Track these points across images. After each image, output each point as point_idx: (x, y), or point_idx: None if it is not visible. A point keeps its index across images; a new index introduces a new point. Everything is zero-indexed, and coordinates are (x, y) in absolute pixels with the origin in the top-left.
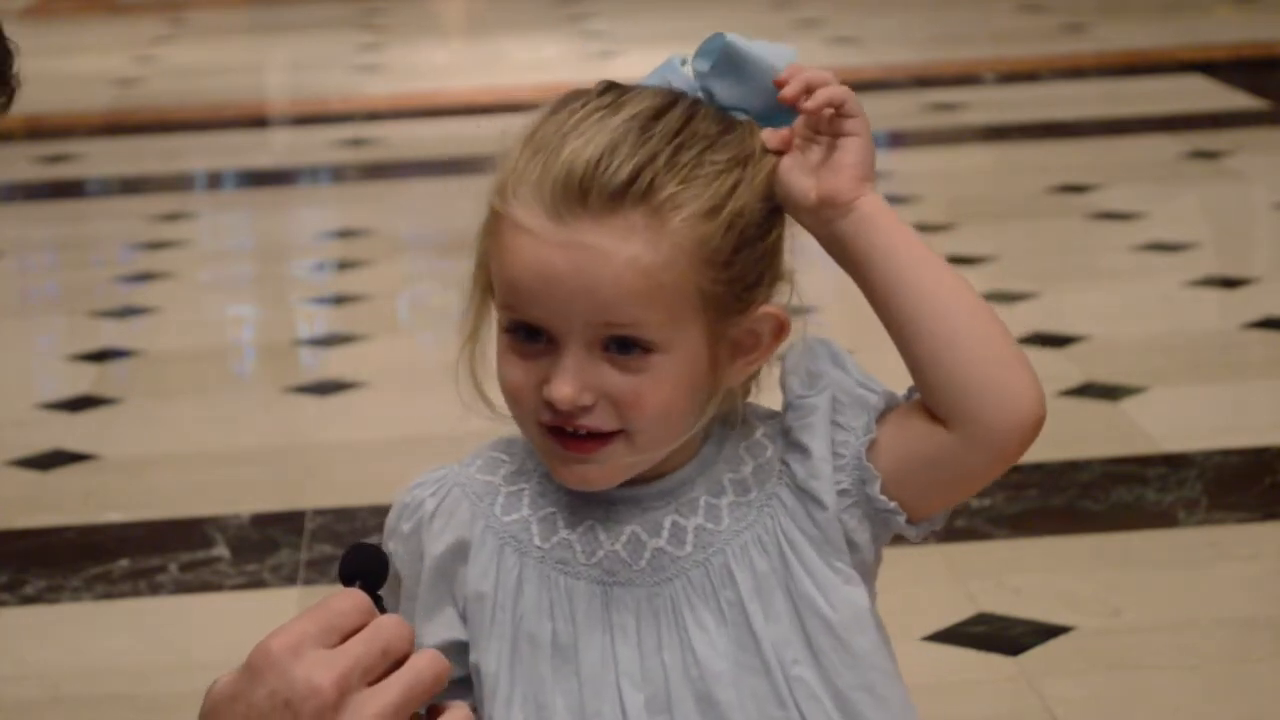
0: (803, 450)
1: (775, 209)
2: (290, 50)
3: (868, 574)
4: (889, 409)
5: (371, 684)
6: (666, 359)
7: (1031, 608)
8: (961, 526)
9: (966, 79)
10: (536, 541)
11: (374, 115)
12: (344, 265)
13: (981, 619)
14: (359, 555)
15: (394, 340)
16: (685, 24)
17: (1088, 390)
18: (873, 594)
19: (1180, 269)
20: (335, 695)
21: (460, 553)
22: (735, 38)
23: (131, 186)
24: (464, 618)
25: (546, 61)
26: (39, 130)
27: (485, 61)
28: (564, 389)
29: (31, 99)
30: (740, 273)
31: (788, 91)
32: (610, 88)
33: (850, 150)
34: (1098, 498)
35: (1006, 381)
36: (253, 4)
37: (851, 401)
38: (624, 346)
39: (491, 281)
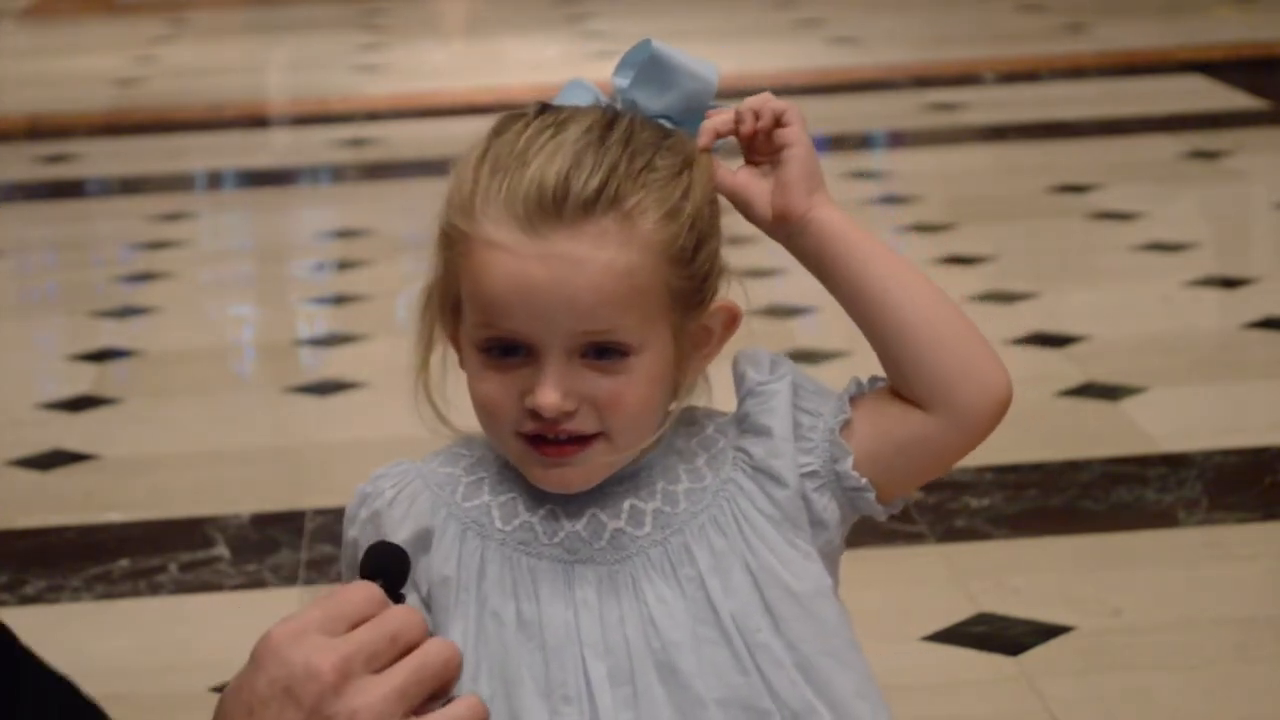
0: (763, 431)
1: (716, 206)
2: (290, 50)
3: (833, 559)
4: (860, 393)
5: (377, 671)
6: (641, 359)
7: (1031, 608)
8: (961, 526)
9: (966, 79)
10: (498, 524)
11: (374, 115)
12: (344, 265)
13: (981, 619)
14: (380, 553)
15: (394, 340)
16: (685, 24)
17: (1088, 390)
18: (835, 580)
19: (1180, 269)
20: (335, 678)
21: (423, 541)
22: (661, 44)
23: (131, 186)
24: (427, 605)
25: (546, 61)
26: (39, 130)
27: (485, 61)
28: (550, 397)
29: (31, 99)
30: (699, 267)
31: (758, 125)
32: (546, 108)
33: (792, 165)
34: (1098, 498)
35: (980, 365)
36: (253, 4)
37: (813, 390)
38: (603, 352)
39: (454, 303)
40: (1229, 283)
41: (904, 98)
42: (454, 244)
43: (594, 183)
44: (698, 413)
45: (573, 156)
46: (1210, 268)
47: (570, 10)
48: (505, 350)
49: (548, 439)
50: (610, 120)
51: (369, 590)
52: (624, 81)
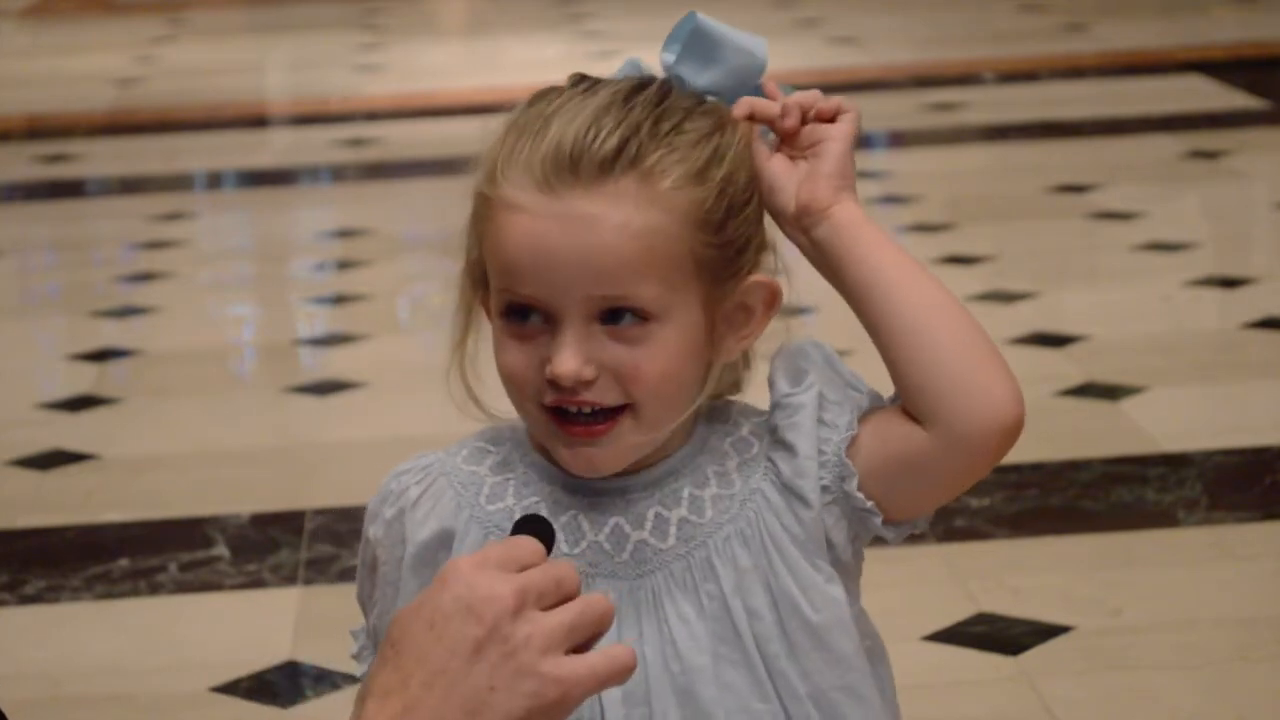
0: (789, 449)
1: (754, 176)
2: (290, 50)
3: (846, 573)
4: (874, 409)
5: (545, 609)
6: (664, 328)
7: (1031, 608)
8: (961, 526)
9: (966, 79)
10: None
11: (374, 115)
12: (344, 265)
13: (981, 619)
14: (529, 524)
15: (394, 340)
16: None
17: (1088, 390)
18: (854, 594)
19: (1180, 269)
20: (514, 603)
21: (445, 541)
22: (706, 17)
23: (131, 186)
24: None
25: (546, 61)
26: (39, 130)
27: (485, 61)
28: (567, 364)
29: (31, 99)
30: (731, 236)
31: (819, 109)
32: (584, 78)
33: (828, 159)
34: (1098, 498)
35: (981, 383)
36: (253, 4)
37: (838, 400)
38: (620, 316)
39: (483, 274)
40: (1229, 283)
41: (904, 98)
42: (479, 210)
43: (612, 141)
44: (734, 409)
45: (593, 116)
46: (1210, 268)
47: (570, 10)
48: (525, 317)
49: (571, 413)
50: (640, 85)
51: (536, 544)
52: (670, 57)
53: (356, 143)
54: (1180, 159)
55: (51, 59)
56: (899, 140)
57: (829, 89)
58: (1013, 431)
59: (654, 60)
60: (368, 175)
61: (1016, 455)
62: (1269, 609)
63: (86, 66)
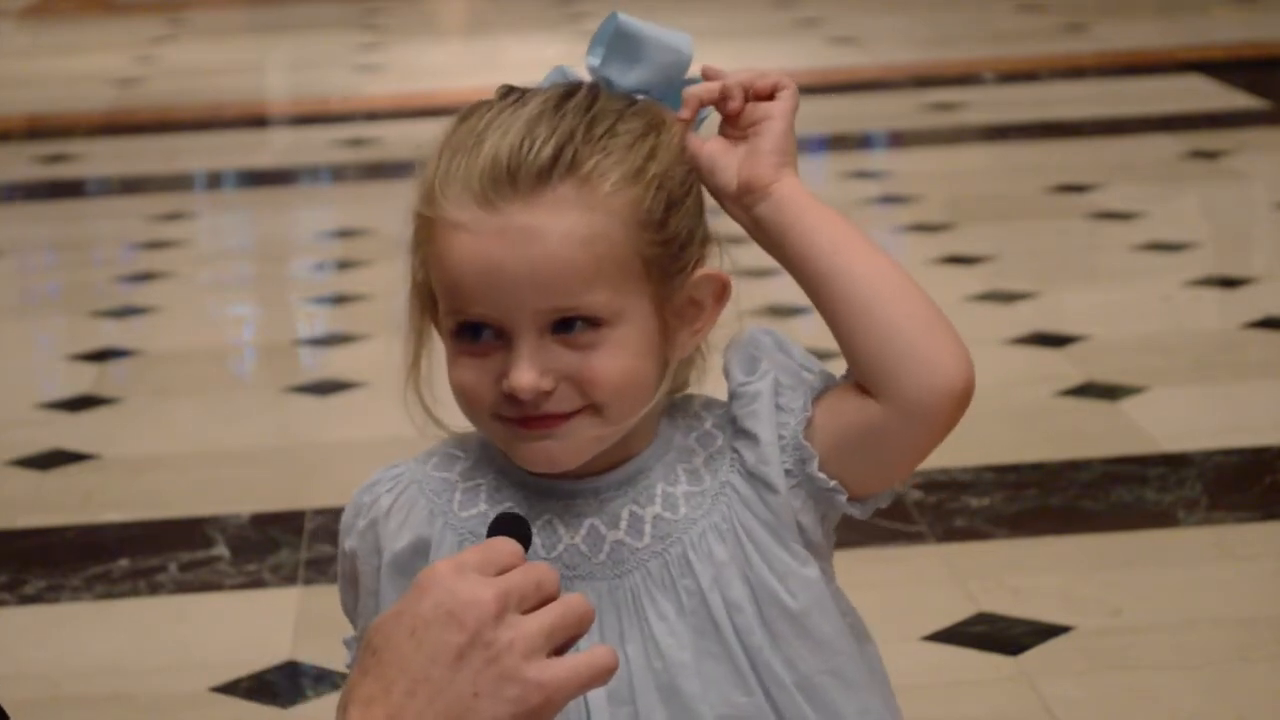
0: (751, 437)
1: (691, 170)
2: (290, 50)
3: (818, 554)
4: (826, 389)
5: (525, 612)
6: (616, 330)
7: (1031, 608)
8: (961, 526)
9: (966, 79)
10: None
11: (374, 115)
12: (344, 265)
13: (981, 619)
14: (505, 521)
15: (394, 340)
16: (685, 24)
17: (1088, 390)
18: (829, 574)
19: (1180, 269)
20: (496, 608)
21: (420, 550)
22: (627, 17)
23: (131, 186)
24: None
25: (546, 61)
26: (39, 130)
27: (485, 61)
28: (524, 378)
29: (31, 99)
30: (674, 232)
31: (757, 87)
32: (512, 89)
33: (768, 136)
34: (1098, 498)
35: (929, 351)
36: (253, 4)
37: (793, 383)
38: (572, 325)
39: (432, 296)
40: (1229, 283)
41: (904, 98)
42: (420, 233)
43: (548, 150)
44: (696, 403)
45: (526, 127)
46: (1210, 268)
47: (570, 10)
48: (477, 335)
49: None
50: (570, 91)
51: (513, 545)
52: (595, 60)
53: (356, 143)
54: (1180, 159)
55: (51, 59)
56: (899, 140)
57: (829, 89)
58: (963, 398)
59: (581, 66)
60: (368, 175)
61: (1016, 455)
62: (1269, 609)
63: (86, 66)
